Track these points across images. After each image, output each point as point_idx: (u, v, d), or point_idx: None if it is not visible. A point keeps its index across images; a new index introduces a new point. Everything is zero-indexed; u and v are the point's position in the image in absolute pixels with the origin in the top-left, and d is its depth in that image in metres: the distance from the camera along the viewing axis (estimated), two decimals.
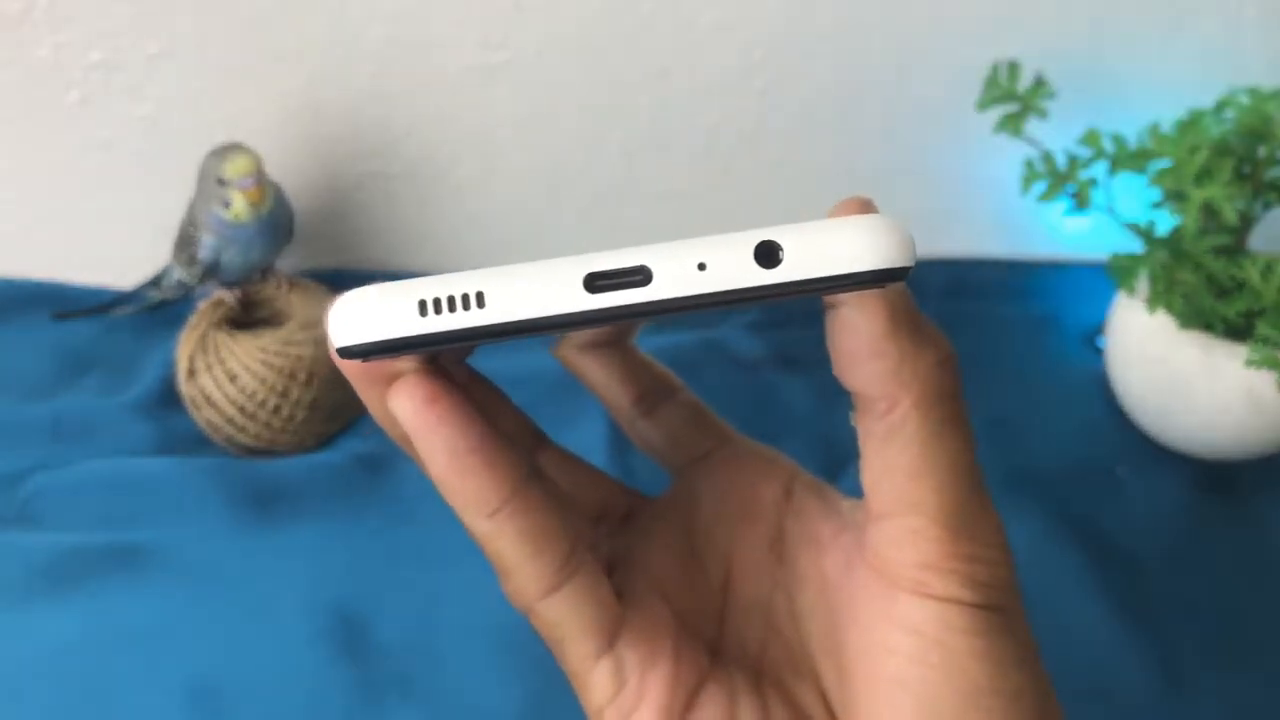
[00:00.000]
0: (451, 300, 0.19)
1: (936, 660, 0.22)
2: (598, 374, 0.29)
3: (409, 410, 0.21)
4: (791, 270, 0.18)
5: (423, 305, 0.19)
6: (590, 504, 0.28)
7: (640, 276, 0.18)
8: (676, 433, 0.29)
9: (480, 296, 0.18)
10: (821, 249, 0.18)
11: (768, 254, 0.18)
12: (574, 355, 0.29)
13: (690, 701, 0.24)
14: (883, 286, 0.19)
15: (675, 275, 0.18)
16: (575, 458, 0.28)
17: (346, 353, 0.19)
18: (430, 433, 0.21)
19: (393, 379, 0.22)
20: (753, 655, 0.26)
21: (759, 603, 0.26)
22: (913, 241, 0.19)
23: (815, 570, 0.26)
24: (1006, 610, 0.23)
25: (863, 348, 0.22)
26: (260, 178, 0.55)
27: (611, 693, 0.23)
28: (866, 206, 0.22)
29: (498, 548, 0.22)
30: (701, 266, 0.18)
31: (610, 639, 0.23)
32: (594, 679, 0.23)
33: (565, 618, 0.23)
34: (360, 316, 0.18)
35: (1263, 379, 0.50)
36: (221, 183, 0.54)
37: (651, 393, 0.29)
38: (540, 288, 0.18)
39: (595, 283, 0.18)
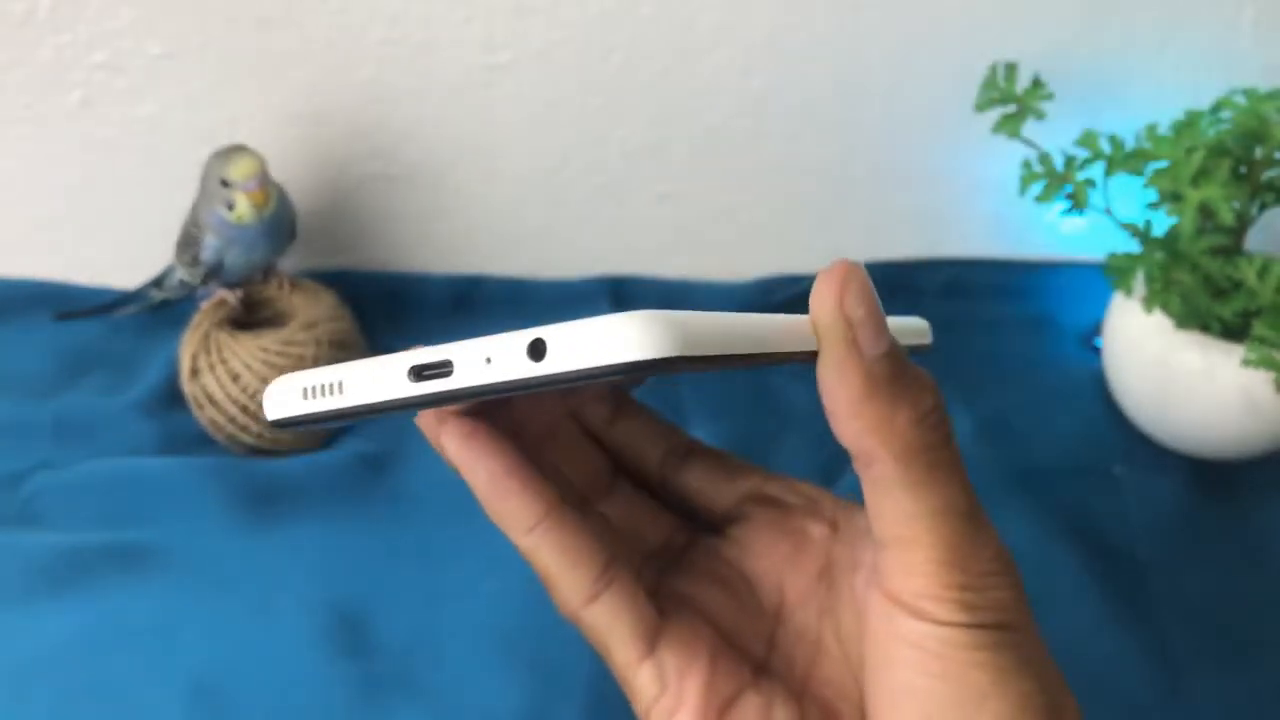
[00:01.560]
0: (321, 388, 0.22)
1: (938, 670, 0.24)
2: (624, 437, 0.30)
3: (453, 445, 0.25)
4: (556, 364, 0.20)
5: (304, 391, 0.23)
6: (653, 538, 0.30)
7: (447, 368, 0.21)
8: (712, 478, 0.30)
9: (340, 385, 0.22)
10: (581, 345, 0.19)
11: (536, 350, 0.20)
12: (601, 428, 0.31)
13: (726, 706, 0.26)
14: (650, 375, 0.20)
15: (470, 367, 0.20)
16: (644, 497, 0.31)
17: (275, 425, 0.23)
18: (472, 461, 0.25)
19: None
20: (800, 674, 0.28)
21: (809, 627, 0.28)
22: (681, 332, 0.19)
23: (852, 592, 0.28)
24: (1009, 625, 0.24)
25: (840, 409, 0.23)
26: (263, 180, 0.55)
27: (655, 694, 0.26)
28: (842, 275, 0.23)
29: (539, 560, 0.25)
30: (488, 360, 0.20)
31: (650, 645, 0.26)
32: (639, 682, 0.26)
33: (607, 624, 0.26)
34: (272, 399, 0.23)
35: (1259, 379, 0.50)
36: (225, 184, 0.55)
37: (679, 446, 0.31)
38: (380, 378, 0.22)
39: (418, 373, 0.21)
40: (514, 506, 0.25)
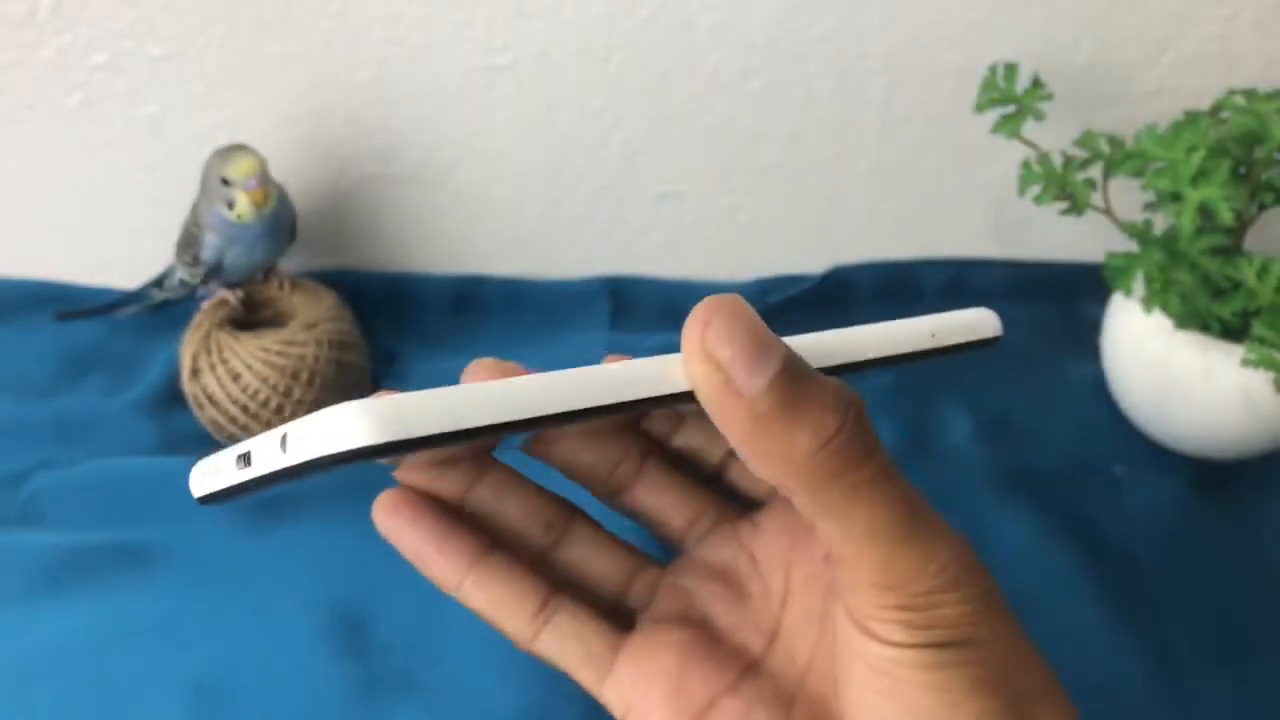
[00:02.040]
0: (236, 459, 0.23)
1: (886, 689, 0.23)
2: (695, 440, 0.30)
3: (377, 522, 0.27)
4: (296, 454, 0.21)
5: (206, 470, 0.25)
6: (677, 521, 0.30)
7: (247, 458, 0.23)
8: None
9: (248, 456, 0.22)
10: (308, 435, 0.20)
11: (283, 442, 0.21)
12: (669, 430, 0.31)
13: (698, 717, 0.26)
14: (376, 458, 0.20)
15: (262, 455, 0.22)
16: (676, 479, 0.30)
17: (201, 501, 0.25)
18: (394, 536, 0.27)
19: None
20: (800, 666, 0.27)
21: (814, 613, 0.28)
22: (394, 419, 0.20)
23: None
24: (961, 642, 0.23)
25: (738, 448, 0.22)
26: (264, 178, 0.55)
27: (621, 711, 0.27)
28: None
29: (474, 611, 0.27)
30: (284, 443, 0.21)
31: (606, 667, 0.27)
32: (605, 701, 0.27)
33: (555, 657, 0.27)
34: (193, 477, 0.25)
35: (1259, 378, 0.50)
36: (226, 183, 0.55)
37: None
38: (218, 467, 0.24)
39: (244, 460, 0.23)
40: (434, 572, 0.27)
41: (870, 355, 0.24)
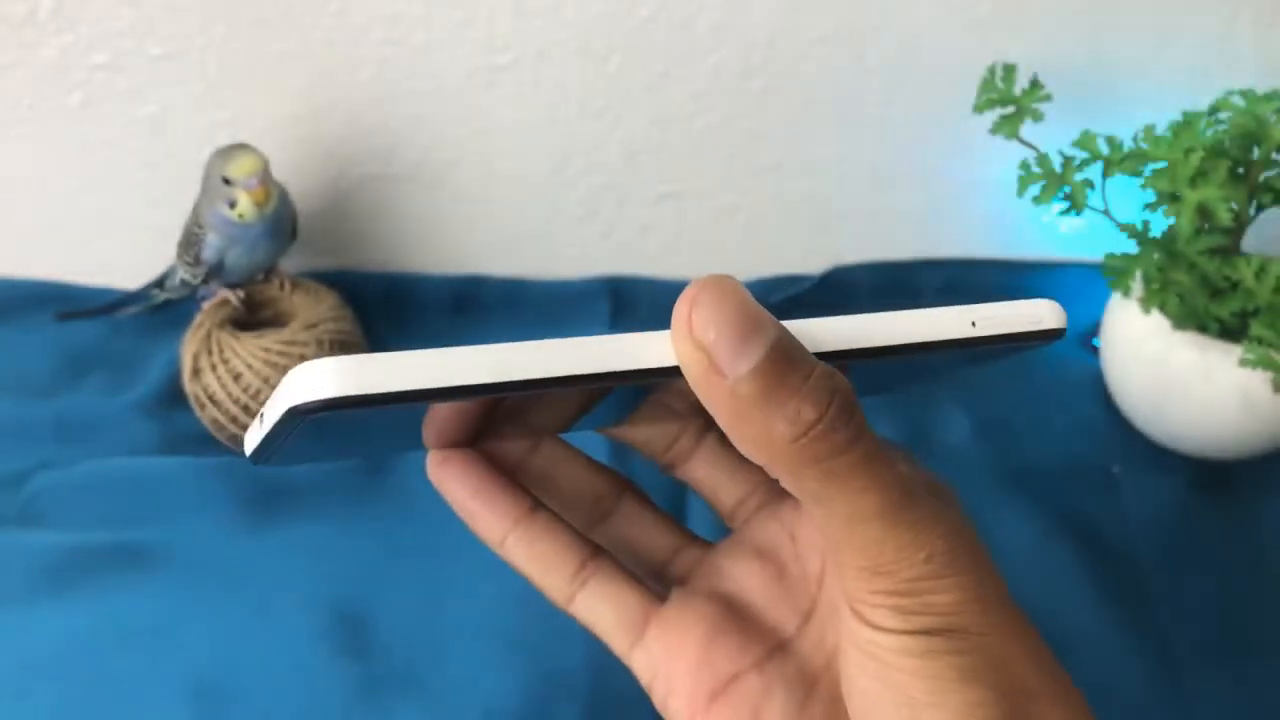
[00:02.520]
0: (259, 417, 0.23)
1: (877, 674, 0.23)
2: None
3: (430, 472, 0.28)
4: (275, 409, 0.22)
5: (252, 428, 0.24)
6: (727, 497, 0.31)
7: (262, 416, 0.23)
8: None
9: (262, 416, 0.23)
10: (283, 391, 0.21)
11: (274, 398, 0.22)
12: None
13: (721, 689, 0.26)
14: (349, 409, 0.21)
15: (268, 412, 0.22)
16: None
17: (250, 459, 0.24)
18: (442, 488, 0.28)
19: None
20: (829, 649, 0.27)
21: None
22: (361, 375, 0.21)
23: None
24: (952, 630, 0.23)
25: (724, 429, 0.22)
26: (265, 178, 0.55)
27: (648, 678, 0.27)
28: (690, 296, 0.24)
29: (515, 567, 0.28)
30: (274, 399, 0.22)
31: (638, 633, 0.27)
32: (635, 667, 0.28)
33: (590, 619, 0.28)
34: (247, 436, 0.24)
35: (1257, 378, 0.50)
36: (227, 182, 0.55)
37: None
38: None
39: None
40: (480, 526, 0.28)
41: (900, 341, 0.23)
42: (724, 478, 0.30)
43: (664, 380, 0.22)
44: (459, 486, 0.27)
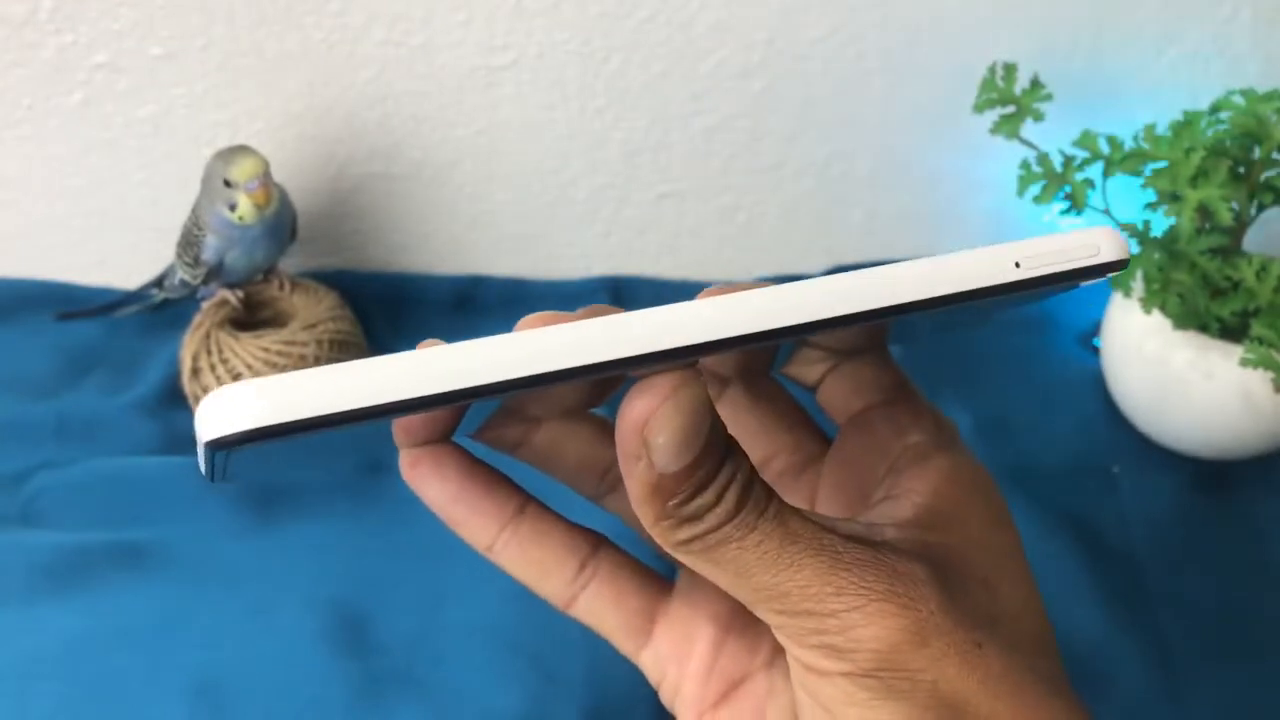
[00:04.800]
0: None
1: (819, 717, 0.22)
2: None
3: (403, 474, 0.25)
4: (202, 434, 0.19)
5: None
6: (762, 449, 0.29)
7: None
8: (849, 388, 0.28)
9: None
10: (205, 417, 0.19)
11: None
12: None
13: (730, 690, 0.26)
14: (282, 438, 0.19)
15: None
16: (791, 406, 0.29)
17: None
18: (416, 490, 0.25)
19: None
20: None
21: None
22: (286, 400, 0.18)
23: None
24: (889, 672, 0.21)
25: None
26: (266, 180, 0.55)
27: (657, 679, 0.27)
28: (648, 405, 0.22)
29: (508, 572, 0.26)
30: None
31: (644, 635, 0.26)
32: (643, 667, 0.27)
33: (593, 622, 0.26)
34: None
35: (1258, 378, 0.50)
36: (228, 184, 0.55)
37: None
38: None
39: None
40: (464, 532, 0.26)
41: (928, 295, 0.20)
42: (743, 438, 0.27)
43: (661, 366, 0.20)
44: (435, 491, 0.25)
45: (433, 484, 0.25)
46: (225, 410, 0.18)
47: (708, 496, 0.21)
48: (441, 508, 0.25)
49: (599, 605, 0.26)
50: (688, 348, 0.19)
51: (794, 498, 0.28)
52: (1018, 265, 0.21)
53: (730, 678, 0.26)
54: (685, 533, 0.21)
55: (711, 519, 0.21)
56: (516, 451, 0.27)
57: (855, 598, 0.21)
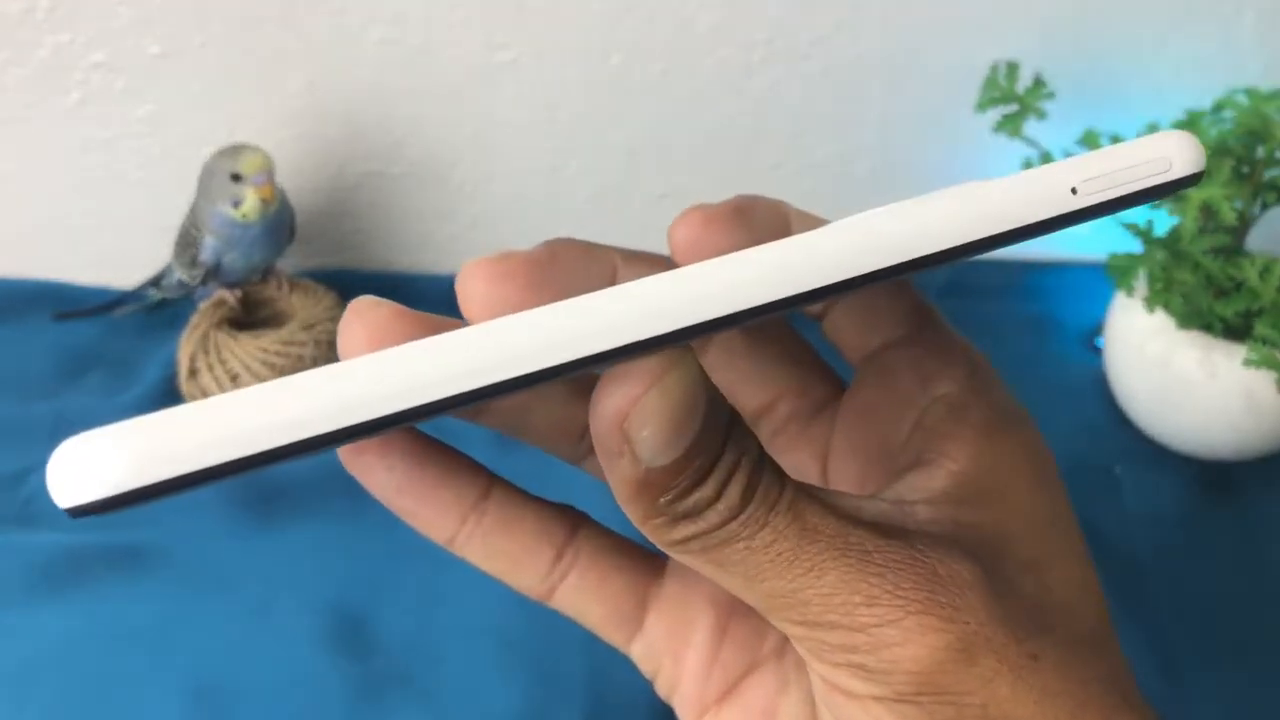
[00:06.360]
0: None
1: None
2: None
3: (344, 461, 0.22)
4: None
5: None
6: (758, 394, 0.26)
7: None
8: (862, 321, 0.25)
9: None
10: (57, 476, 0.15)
11: None
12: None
13: (732, 688, 0.23)
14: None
15: None
16: (808, 353, 0.26)
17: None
18: (361, 480, 0.22)
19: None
20: None
21: None
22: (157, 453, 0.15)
23: None
24: (930, 697, 0.18)
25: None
26: (272, 175, 0.55)
27: (651, 672, 0.24)
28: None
29: (476, 566, 0.22)
30: None
31: (634, 626, 0.23)
32: (634, 658, 0.24)
33: (573, 615, 0.23)
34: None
35: (1261, 379, 0.50)
36: (236, 179, 0.54)
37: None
38: None
39: None
40: (420, 525, 0.22)
41: (977, 236, 0.17)
42: (739, 382, 0.24)
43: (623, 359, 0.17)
44: (380, 482, 0.21)
45: (376, 473, 0.21)
46: (76, 472, 0.14)
47: (706, 490, 0.17)
48: (389, 499, 0.22)
49: (581, 596, 0.23)
50: (678, 331, 0.16)
51: (802, 453, 0.24)
52: (1074, 191, 0.18)
53: (734, 670, 0.23)
54: (681, 531, 0.18)
55: (712, 516, 0.18)
56: (478, 418, 0.23)
57: (890, 609, 0.18)
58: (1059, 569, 0.21)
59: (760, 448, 0.18)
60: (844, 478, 0.24)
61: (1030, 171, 0.18)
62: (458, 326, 0.17)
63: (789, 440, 0.25)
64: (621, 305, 0.16)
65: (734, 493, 0.18)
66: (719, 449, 0.18)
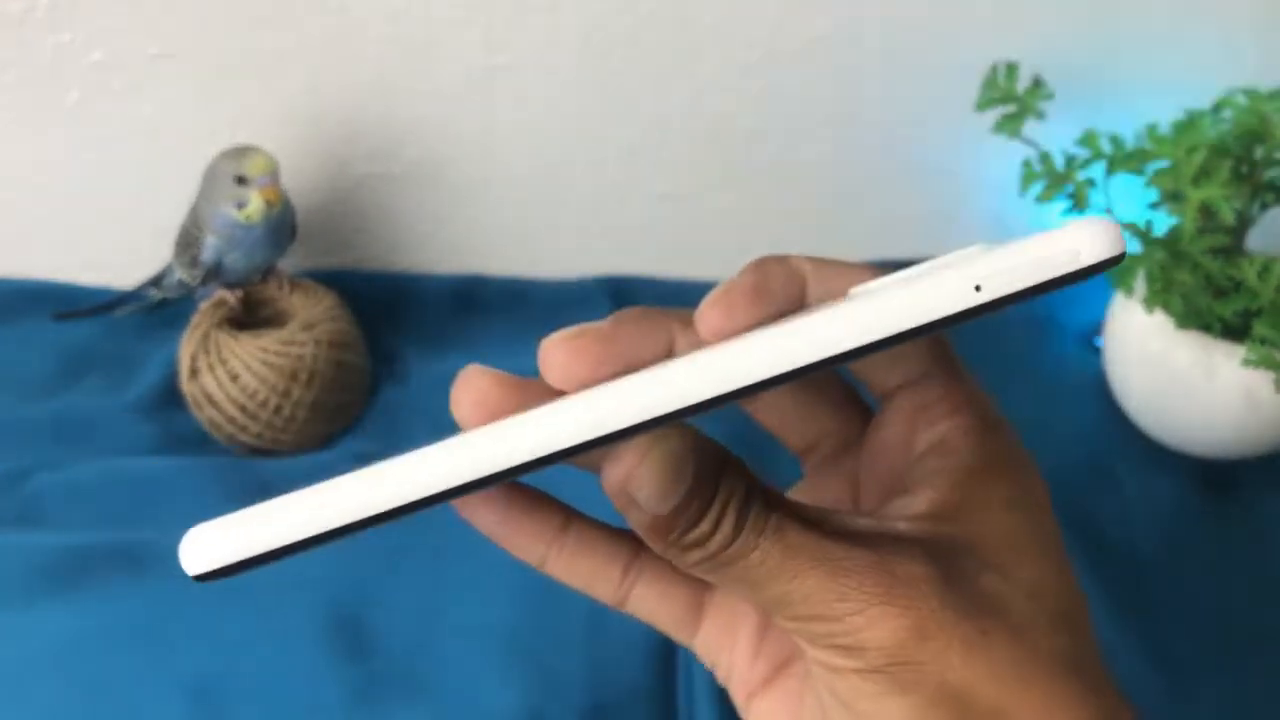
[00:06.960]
0: None
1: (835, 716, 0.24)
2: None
3: (456, 506, 0.26)
4: None
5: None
6: (807, 433, 0.30)
7: None
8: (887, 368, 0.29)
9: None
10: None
11: None
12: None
13: (773, 674, 0.27)
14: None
15: None
16: (840, 390, 0.30)
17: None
18: (472, 519, 0.27)
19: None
20: None
21: None
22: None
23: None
24: (897, 667, 0.22)
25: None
26: (277, 176, 0.55)
27: (710, 663, 0.28)
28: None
29: (563, 582, 0.28)
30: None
31: (692, 627, 0.28)
32: (698, 654, 0.28)
33: (645, 618, 0.28)
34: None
35: (1260, 378, 0.50)
36: (241, 181, 0.54)
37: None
38: None
39: None
40: (514, 550, 0.27)
41: (876, 337, 0.18)
42: (786, 425, 0.29)
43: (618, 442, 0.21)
44: (484, 518, 0.27)
45: (481, 513, 0.27)
46: (194, 551, 0.20)
47: (703, 528, 0.22)
48: (491, 531, 0.27)
49: (647, 604, 0.28)
50: (666, 415, 0.20)
51: (834, 485, 0.29)
52: (978, 289, 0.18)
53: (774, 661, 0.27)
54: (691, 557, 0.23)
55: (712, 545, 0.22)
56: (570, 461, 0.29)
57: (857, 602, 0.22)
58: (1025, 567, 0.25)
59: (750, 485, 0.23)
60: (868, 503, 0.28)
61: (935, 269, 0.19)
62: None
63: (829, 472, 0.29)
64: (620, 400, 0.20)
65: (727, 526, 0.22)
66: (711, 494, 0.22)
